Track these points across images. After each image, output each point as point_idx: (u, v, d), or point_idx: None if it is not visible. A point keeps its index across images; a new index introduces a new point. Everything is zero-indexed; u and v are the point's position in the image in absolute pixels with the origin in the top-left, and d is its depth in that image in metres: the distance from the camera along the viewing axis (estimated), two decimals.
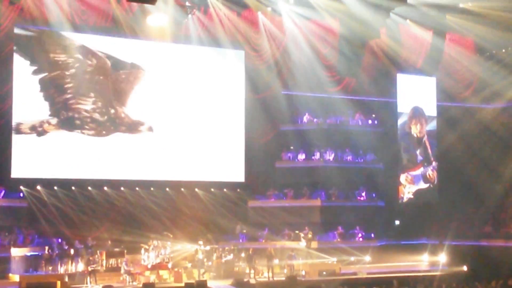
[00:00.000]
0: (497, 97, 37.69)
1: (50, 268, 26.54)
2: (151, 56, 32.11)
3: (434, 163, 37.16)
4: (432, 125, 37.51)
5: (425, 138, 37.21)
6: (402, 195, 36.39)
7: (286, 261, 29.48)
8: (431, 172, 37.06)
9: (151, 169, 31.69)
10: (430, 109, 37.63)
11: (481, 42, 36.44)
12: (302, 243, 31.06)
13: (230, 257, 29.28)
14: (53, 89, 30.05)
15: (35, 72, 29.77)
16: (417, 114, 37.25)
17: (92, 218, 29.94)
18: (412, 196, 36.45)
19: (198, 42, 32.71)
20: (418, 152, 36.97)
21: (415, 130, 37.02)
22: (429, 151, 37.20)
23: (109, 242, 28.53)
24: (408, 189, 36.51)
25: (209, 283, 26.49)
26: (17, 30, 29.49)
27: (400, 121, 36.71)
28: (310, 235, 31.28)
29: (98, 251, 27.67)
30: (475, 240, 33.54)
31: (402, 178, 36.42)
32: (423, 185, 36.87)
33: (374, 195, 34.66)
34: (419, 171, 36.89)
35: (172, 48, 32.61)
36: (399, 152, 36.45)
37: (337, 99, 35.66)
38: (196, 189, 32.75)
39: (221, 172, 33.28)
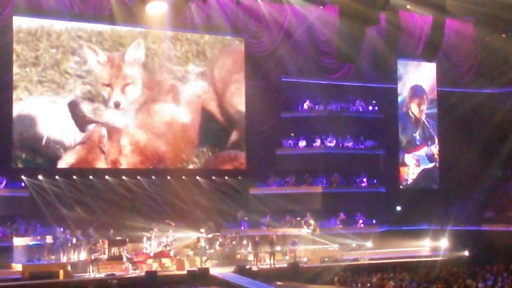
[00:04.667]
0: (497, 81, 37.76)
1: (53, 257, 26.62)
2: (151, 43, 32.03)
3: (437, 141, 37.29)
4: (433, 110, 37.55)
5: (424, 118, 37.27)
6: (406, 177, 36.50)
7: (289, 247, 29.55)
8: (436, 150, 37.20)
9: (151, 158, 31.74)
10: (431, 95, 37.68)
11: (481, 27, 36.57)
12: (306, 230, 31.06)
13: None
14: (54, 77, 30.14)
15: (34, 60, 29.70)
16: (417, 93, 37.30)
17: (94, 207, 29.92)
18: (415, 177, 36.58)
19: (198, 29, 32.69)
20: (417, 133, 37.03)
21: (414, 110, 37.05)
22: (430, 130, 37.26)
23: (111, 230, 28.55)
24: (412, 170, 36.62)
25: (211, 271, 26.64)
26: (16, 19, 29.41)
27: (399, 100, 36.84)
28: (312, 222, 31.29)
29: (100, 240, 27.69)
30: (477, 225, 33.60)
31: (408, 158, 36.52)
32: (429, 165, 37.01)
33: (375, 181, 34.68)
34: (423, 150, 36.99)
35: (172, 35, 32.53)
36: (397, 134, 36.53)
37: (338, 85, 35.69)
38: (197, 177, 32.77)
39: (222, 159, 33.37)
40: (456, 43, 37.54)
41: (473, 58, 38.02)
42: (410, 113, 37.04)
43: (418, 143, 37.03)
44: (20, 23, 29.56)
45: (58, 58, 30.15)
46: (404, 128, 36.88)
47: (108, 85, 30.92)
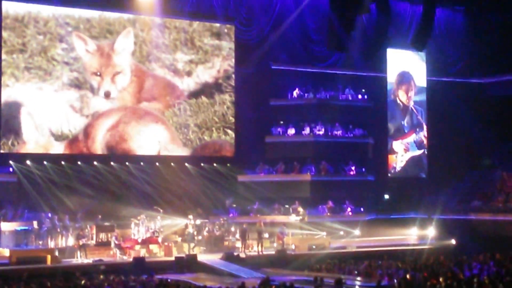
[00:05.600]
0: (486, 71, 37.93)
1: (40, 242, 26.57)
2: (139, 30, 31.90)
3: (425, 127, 37.44)
4: (422, 97, 37.71)
5: (412, 105, 37.41)
6: (394, 165, 36.66)
7: (277, 235, 29.63)
8: (423, 137, 37.39)
9: (141, 144, 31.67)
10: (420, 84, 37.83)
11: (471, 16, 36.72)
12: (294, 217, 31.10)
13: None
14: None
15: (21, 47, 29.55)
16: (404, 79, 37.42)
17: (82, 192, 29.83)
18: (404, 165, 36.75)
19: (188, 16, 32.62)
20: (405, 121, 37.18)
21: (402, 97, 37.16)
22: (419, 116, 37.41)
23: (99, 216, 28.49)
24: (401, 157, 36.78)
25: (199, 257, 26.66)
26: (5, 4, 29.26)
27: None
28: (300, 209, 31.33)
29: (88, 226, 27.62)
30: (464, 214, 33.77)
31: (396, 145, 36.66)
32: (417, 152, 37.17)
33: (363, 169, 34.77)
34: (412, 138, 37.17)
35: (162, 22, 32.42)
36: (386, 123, 36.66)
37: (327, 73, 35.73)
38: (186, 164, 32.75)
39: (211, 147, 33.36)
40: (446, 32, 37.66)
41: (462, 48, 38.15)
42: (398, 101, 37.20)
43: (406, 131, 37.22)
44: (8, 8, 29.38)
45: (45, 45, 29.95)
46: (392, 116, 37.04)
47: (98, 74, 30.79)
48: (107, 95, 30.91)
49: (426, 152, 37.47)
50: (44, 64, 29.94)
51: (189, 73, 32.99)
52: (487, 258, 25.06)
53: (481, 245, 28.59)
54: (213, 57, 33.61)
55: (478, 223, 32.90)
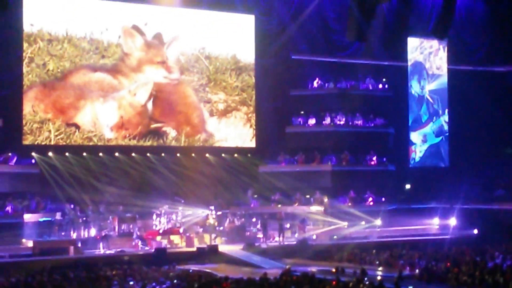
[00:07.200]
0: (508, 59, 37.63)
1: (63, 233, 26.74)
2: (160, 21, 31.90)
3: (446, 113, 37.25)
4: (439, 86, 37.45)
5: (427, 95, 37.21)
6: (413, 156, 36.54)
7: (298, 225, 29.66)
8: (444, 123, 37.18)
9: (161, 136, 31.71)
10: (441, 72, 37.62)
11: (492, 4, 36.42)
12: (316, 207, 31.07)
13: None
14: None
15: (44, 37, 29.70)
16: (416, 69, 37.21)
17: (104, 183, 29.96)
18: (422, 155, 36.63)
19: (208, 6, 32.59)
20: (422, 111, 37.01)
21: (415, 87, 36.97)
22: (435, 105, 37.22)
23: (121, 207, 28.67)
24: (419, 148, 36.67)
25: (220, 248, 26.72)
26: None
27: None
28: (325, 200, 31.30)
29: (110, 217, 27.84)
30: (486, 203, 33.58)
31: (414, 136, 36.53)
32: (435, 140, 37.02)
33: (384, 159, 34.66)
34: (429, 127, 37.00)
35: (182, 12, 32.42)
36: (407, 112, 36.53)
37: (347, 63, 35.59)
38: (207, 155, 32.80)
39: (232, 137, 33.36)
40: (467, 20, 37.39)
41: (484, 36, 37.88)
42: (413, 91, 37.00)
43: (423, 121, 37.04)
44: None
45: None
46: (409, 107, 36.84)
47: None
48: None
49: (445, 139, 37.27)
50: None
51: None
52: (510, 247, 24.96)
53: (504, 235, 28.45)
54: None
55: (501, 212, 32.71)
